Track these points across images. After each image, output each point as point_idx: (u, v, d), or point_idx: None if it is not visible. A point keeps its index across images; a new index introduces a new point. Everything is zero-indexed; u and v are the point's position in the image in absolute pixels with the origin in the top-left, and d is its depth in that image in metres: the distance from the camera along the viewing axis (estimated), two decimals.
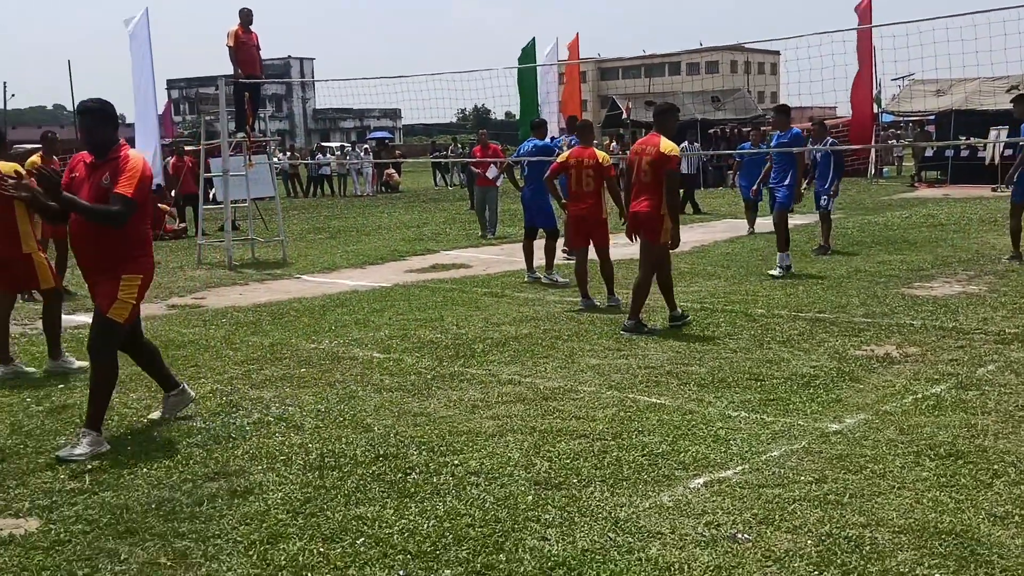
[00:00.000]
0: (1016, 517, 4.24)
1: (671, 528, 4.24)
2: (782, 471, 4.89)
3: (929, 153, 29.80)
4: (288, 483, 4.95)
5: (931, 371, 6.84)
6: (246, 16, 15.10)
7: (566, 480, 4.87)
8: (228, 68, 15.27)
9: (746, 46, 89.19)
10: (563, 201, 10.53)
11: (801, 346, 7.75)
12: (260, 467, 5.22)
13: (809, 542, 4.06)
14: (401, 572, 3.92)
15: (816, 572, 3.81)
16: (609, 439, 5.51)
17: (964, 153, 27.93)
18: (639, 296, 8.64)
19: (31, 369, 7.68)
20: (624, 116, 36.72)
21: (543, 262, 11.92)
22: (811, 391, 6.40)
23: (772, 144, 12.72)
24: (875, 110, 30.88)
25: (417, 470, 5.09)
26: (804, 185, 12.68)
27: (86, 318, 6.54)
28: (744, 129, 32.15)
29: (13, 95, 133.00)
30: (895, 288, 10.42)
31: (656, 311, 9.17)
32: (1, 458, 5.49)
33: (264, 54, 15.61)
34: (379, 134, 76.43)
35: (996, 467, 4.86)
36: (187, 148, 25.04)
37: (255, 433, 5.85)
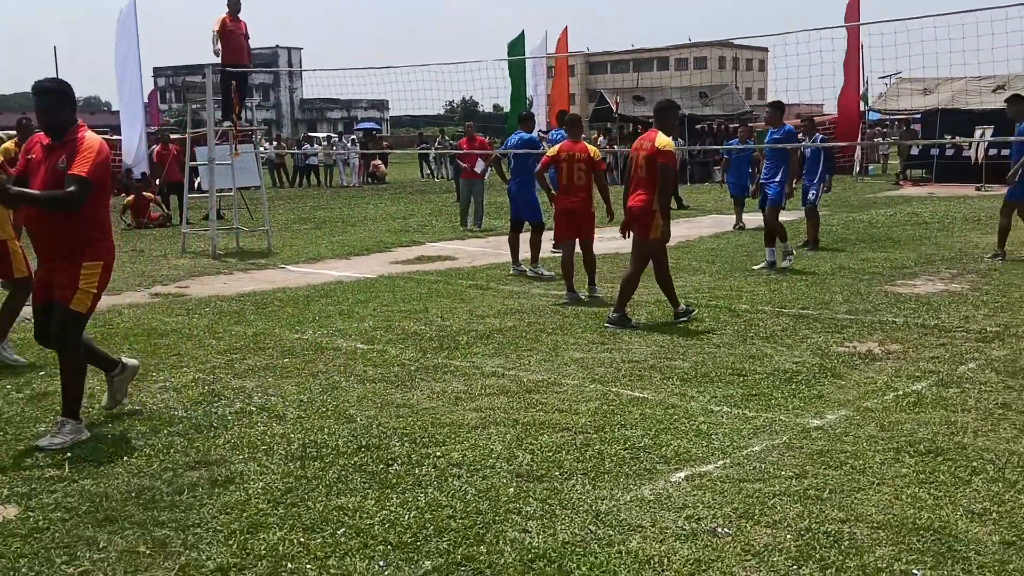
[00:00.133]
0: (994, 514, 4.28)
1: (652, 521, 4.26)
2: (763, 466, 4.91)
3: (915, 151, 29.93)
4: (269, 473, 4.94)
5: (912, 368, 6.88)
6: (235, 4, 15.01)
7: (548, 473, 4.88)
8: (215, 56, 15.18)
9: (734, 42, 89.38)
10: (552, 193, 10.53)
11: (784, 342, 7.78)
12: (241, 457, 5.20)
13: (788, 537, 4.08)
14: (381, 563, 3.91)
15: (795, 567, 3.83)
16: (591, 432, 5.52)
17: (949, 152, 28.08)
18: (626, 290, 8.65)
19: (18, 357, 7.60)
20: (612, 111, 36.70)
21: (528, 255, 11.92)
22: (793, 387, 6.43)
23: (766, 141, 12.74)
24: (862, 108, 31.04)
25: (399, 461, 5.09)
26: (795, 184, 12.69)
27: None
28: (732, 125, 32.20)
29: None
30: (878, 285, 10.47)
31: (640, 305, 9.19)
32: None
33: (252, 43, 15.52)
34: (366, 125, 76.27)
35: (975, 464, 4.89)
36: (173, 136, 24.91)
37: (237, 423, 5.83)
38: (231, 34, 14.90)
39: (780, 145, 12.20)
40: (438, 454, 5.18)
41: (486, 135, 31.81)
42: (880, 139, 36.40)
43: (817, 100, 32.43)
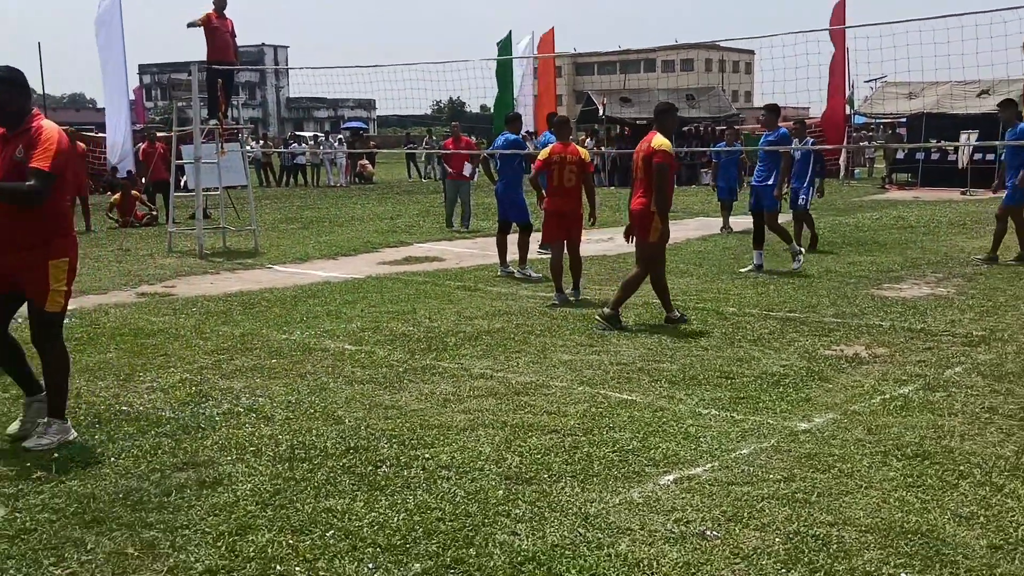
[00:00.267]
0: (981, 517, 4.30)
1: (640, 524, 4.26)
2: (751, 469, 4.93)
3: (900, 155, 30.09)
4: (257, 474, 4.92)
5: (899, 372, 6.91)
6: (220, 2, 14.95)
7: (537, 475, 4.88)
8: (201, 54, 15.14)
9: (721, 44, 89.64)
10: (542, 194, 10.54)
11: (772, 345, 7.81)
12: (229, 458, 5.18)
13: (777, 540, 4.09)
14: (370, 565, 3.91)
15: (783, 570, 3.84)
16: (580, 435, 5.52)
17: (935, 156, 28.23)
18: (626, 290, 8.71)
19: None
20: (599, 112, 36.74)
21: (516, 256, 11.92)
22: (781, 390, 6.45)
23: (760, 143, 12.75)
24: (848, 111, 31.17)
25: (388, 463, 5.08)
26: (785, 189, 12.70)
27: None
28: (719, 128, 32.30)
29: None
30: (865, 289, 10.51)
31: (628, 307, 9.19)
32: None
33: (238, 41, 15.46)
34: (353, 124, 76.13)
35: (962, 468, 4.91)
36: (159, 134, 24.80)
37: (225, 424, 5.81)
38: (217, 32, 14.83)
39: (771, 147, 12.22)
40: (427, 456, 5.18)
41: (473, 135, 31.81)
42: (866, 143, 36.56)
43: (804, 103, 32.55)
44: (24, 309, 5.52)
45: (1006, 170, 12.61)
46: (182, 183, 20.34)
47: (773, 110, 12.61)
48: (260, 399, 6.34)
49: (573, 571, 3.84)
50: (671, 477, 4.85)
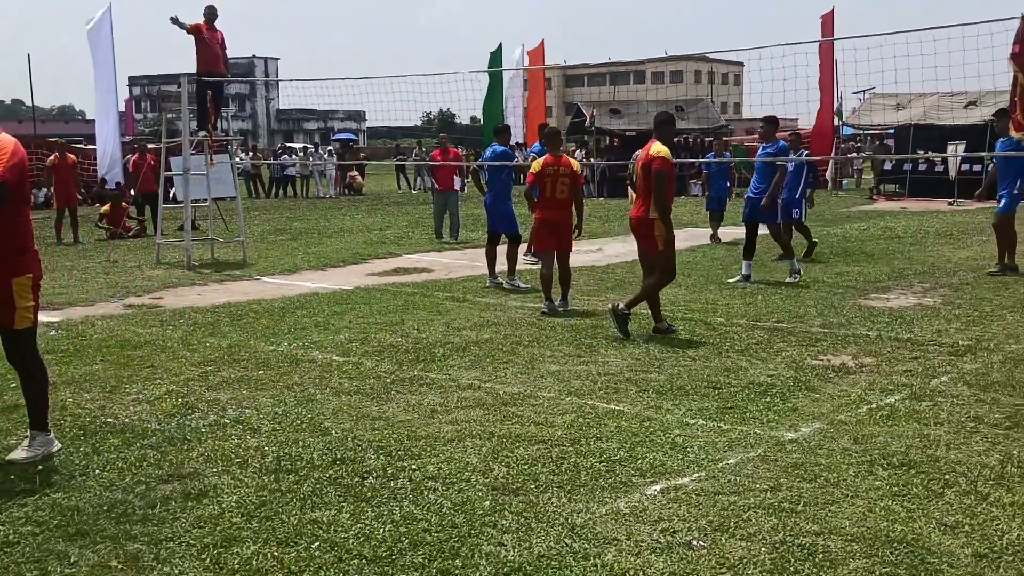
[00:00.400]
0: (966, 527, 4.31)
1: (627, 534, 4.26)
2: (738, 479, 4.93)
3: (888, 166, 30.22)
4: (243, 486, 4.91)
5: (886, 381, 6.93)
6: (211, 14, 14.94)
7: (524, 486, 4.87)
8: (191, 66, 15.12)
9: (710, 56, 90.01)
10: (534, 201, 10.54)
11: (759, 355, 7.82)
12: (215, 470, 5.16)
13: (763, 549, 4.09)
14: None
15: None
16: (567, 445, 5.52)
17: (922, 167, 28.36)
18: (652, 301, 8.84)
19: None
20: (588, 123, 36.84)
21: (505, 267, 11.93)
22: (768, 400, 6.46)
23: (758, 155, 12.77)
24: (836, 123, 31.31)
25: (374, 474, 5.07)
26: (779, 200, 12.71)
27: None
28: (707, 139, 32.39)
29: None
30: (852, 299, 10.54)
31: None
32: None
33: (229, 52, 15.46)
34: (343, 135, 76.10)
35: (947, 477, 4.93)
36: (149, 146, 24.75)
37: (211, 435, 5.79)
38: (207, 43, 14.82)
39: (767, 159, 12.24)
40: (413, 467, 5.16)
41: (463, 147, 31.85)
42: (854, 154, 36.72)
43: (792, 115, 32.69)
44: None
45: (999, 179, 12.55)
46: (171, 195, 20.31)
47: (772, 122, 12.60)
48: (247, 411, 6.32)
49: None
50: (658, 487, 4.85)
